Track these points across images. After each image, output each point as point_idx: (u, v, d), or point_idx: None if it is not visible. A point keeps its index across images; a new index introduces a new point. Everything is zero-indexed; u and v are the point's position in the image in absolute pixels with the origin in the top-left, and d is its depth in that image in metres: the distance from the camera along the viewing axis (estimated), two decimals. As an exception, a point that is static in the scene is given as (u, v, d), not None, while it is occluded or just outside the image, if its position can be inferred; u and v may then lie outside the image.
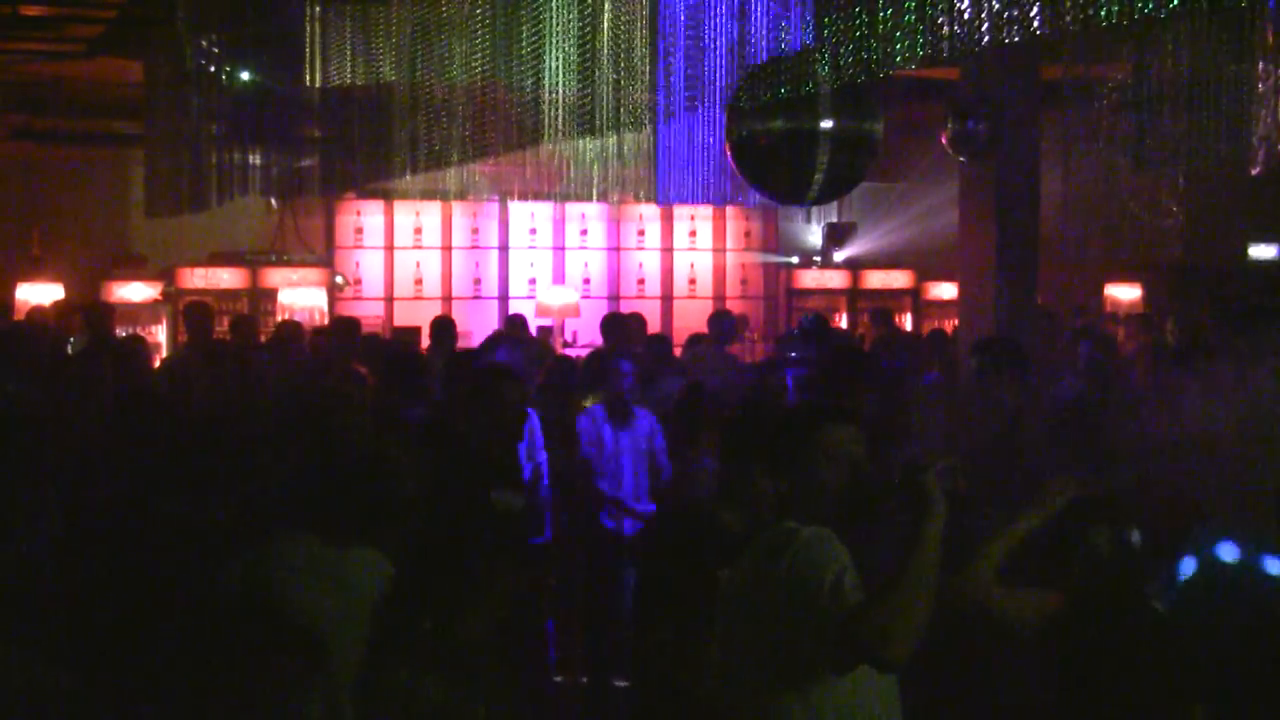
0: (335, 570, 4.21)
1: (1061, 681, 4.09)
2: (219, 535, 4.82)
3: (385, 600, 3.83)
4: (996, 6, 5.26)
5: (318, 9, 10.94)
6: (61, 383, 7.91)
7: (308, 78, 11.08)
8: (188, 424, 6.66)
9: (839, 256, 17.82)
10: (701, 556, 4.26)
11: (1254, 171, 10.53)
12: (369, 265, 16.64)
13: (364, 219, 16.57)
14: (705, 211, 17.59)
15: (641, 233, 17.60)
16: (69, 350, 11.25)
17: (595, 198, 15.07)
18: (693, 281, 17.76)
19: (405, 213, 16.65)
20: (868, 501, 3.72)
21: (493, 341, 10.40)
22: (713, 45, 7.42)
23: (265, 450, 5.72)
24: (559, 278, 17.05)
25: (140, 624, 5.03)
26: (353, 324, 10.41)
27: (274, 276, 15.32)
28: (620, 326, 11.02)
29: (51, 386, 7.84)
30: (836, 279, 17.60)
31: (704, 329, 12.19)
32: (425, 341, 11.76)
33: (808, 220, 17.83)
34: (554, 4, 8.74)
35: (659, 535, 5.24)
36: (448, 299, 16.64)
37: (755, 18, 6.90)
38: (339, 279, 15.89)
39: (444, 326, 11.00)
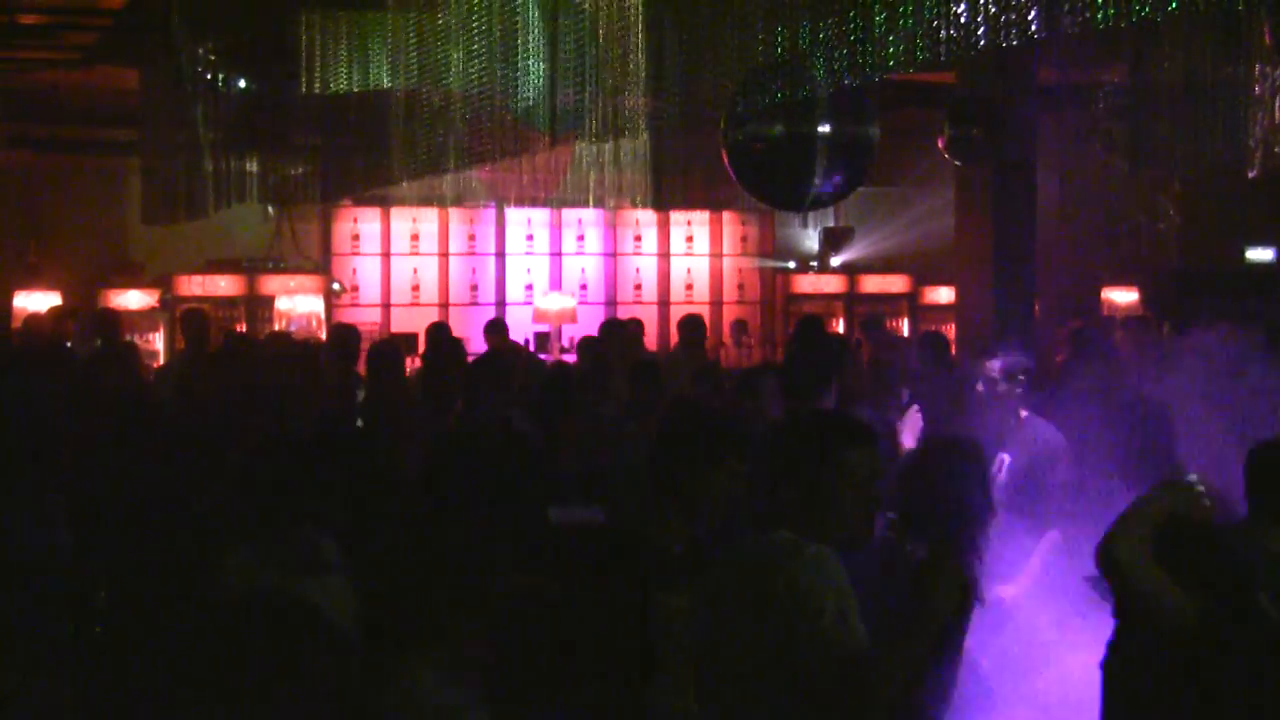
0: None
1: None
2: (219, 535, 4.81)
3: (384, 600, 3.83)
4: (993, 10, 5.26)
5: (313, 16, 10.95)
6: (72, 389, 7.91)
7: (304, 85, 11.08)
8: (191, 427, 6.67)
9: (836, 261, 17.82)
10: (636, 581, 3.97)
11: (1251, 174, 10.53)
12: (366, 272, 16.62)
13: (361, 226, 16.56)
14: (702, 217, 17.58)
15: (638, 238, 17.59)
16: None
17: (592, 203, 15.10)
18: (690, 287, 17.75)
19: (402, 219, 16.64)
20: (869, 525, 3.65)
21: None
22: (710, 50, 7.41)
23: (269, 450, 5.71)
24: (556, 284, 17.04)
25: (147, 629, 5.03)
26: (351, 332, 10.39)
27: (271, 284, 15.32)
28: (619, 333, 11.00)
29: (64, 393, 7.83)
30: (833, 284, 17.60)
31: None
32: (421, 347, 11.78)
33: (804, 225, 17.81)
34: (550, 10, 8.75)
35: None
36: (445, 305, 16.62)
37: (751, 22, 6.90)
38: (336, 286, 15.88)
39: (439, 332, 11.03)
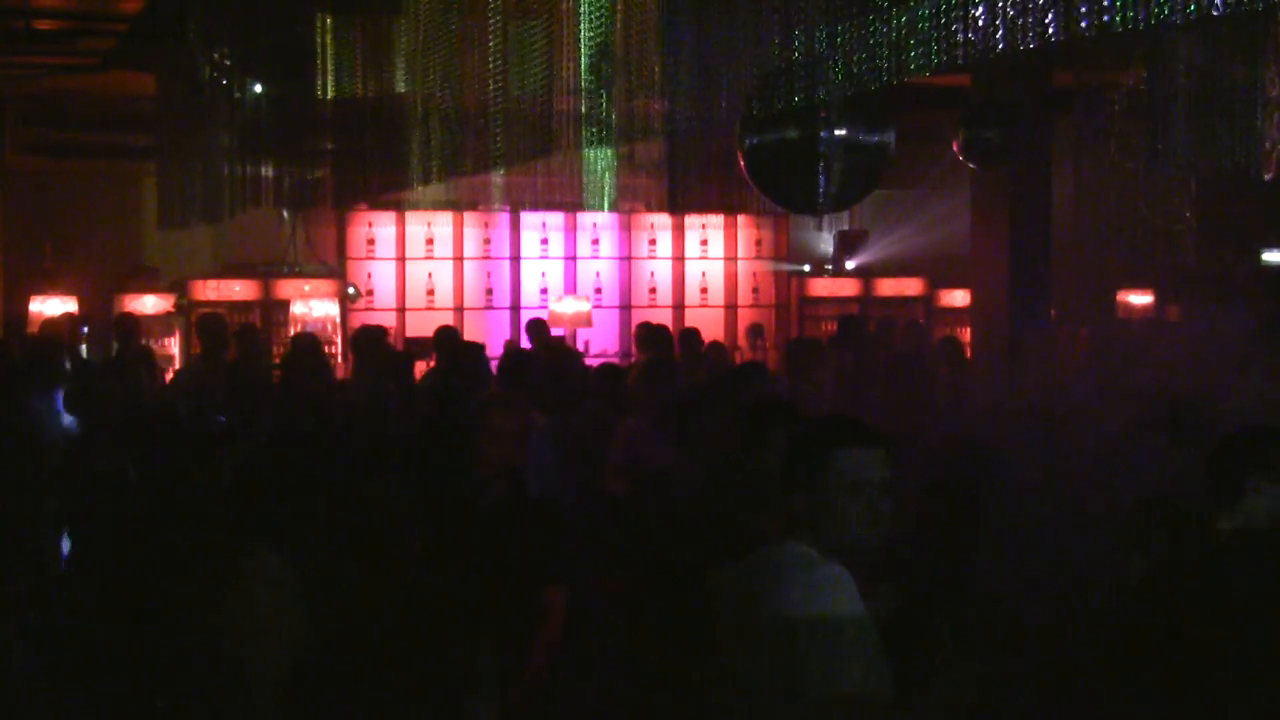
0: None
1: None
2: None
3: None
4: (1011, 13, 5.25)
5: (329, 21, 10.96)
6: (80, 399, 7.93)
7: (319, 89, 11.09)
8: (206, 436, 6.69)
9: (851, 264, 17.82)
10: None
11: (1267, 177, 10.51)
12: (381, 276, 16.64)
13: (376, 230, 16.58)
14: (716, 220, 17.58)
15: (653, 242, 17.59)
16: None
17: (606, 207, 15.08)
18: (704, 290, 17.74)
19: (417, 223, 16.66)
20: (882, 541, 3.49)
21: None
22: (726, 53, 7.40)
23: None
24: (570, 287, 17.05)
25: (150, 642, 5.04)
26: (379, 333, 10.37)
27: (286, 288, 15.35)
28: (662, 338, 11.05)
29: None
30: (848, 287, 17.60)
31: (715, 338, 12.17)
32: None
33: (819, 228, 17.81)
34: (565, 14, 8.74)
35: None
36: (460, 309, 16.65)
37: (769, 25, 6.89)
38: (351, 290, 15.91)
39: (449, 337, 11.05)
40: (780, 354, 16.09)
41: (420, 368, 11.05)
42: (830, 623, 3.28)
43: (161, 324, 14.91)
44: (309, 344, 10.68)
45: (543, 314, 16.22)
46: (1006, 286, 12.42)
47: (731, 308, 17.68)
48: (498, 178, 13.37)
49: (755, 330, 16.44)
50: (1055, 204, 12.67)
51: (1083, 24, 4.97)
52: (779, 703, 3.34)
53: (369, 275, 16.55)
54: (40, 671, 4.99)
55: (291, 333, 14.35)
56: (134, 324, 11.81)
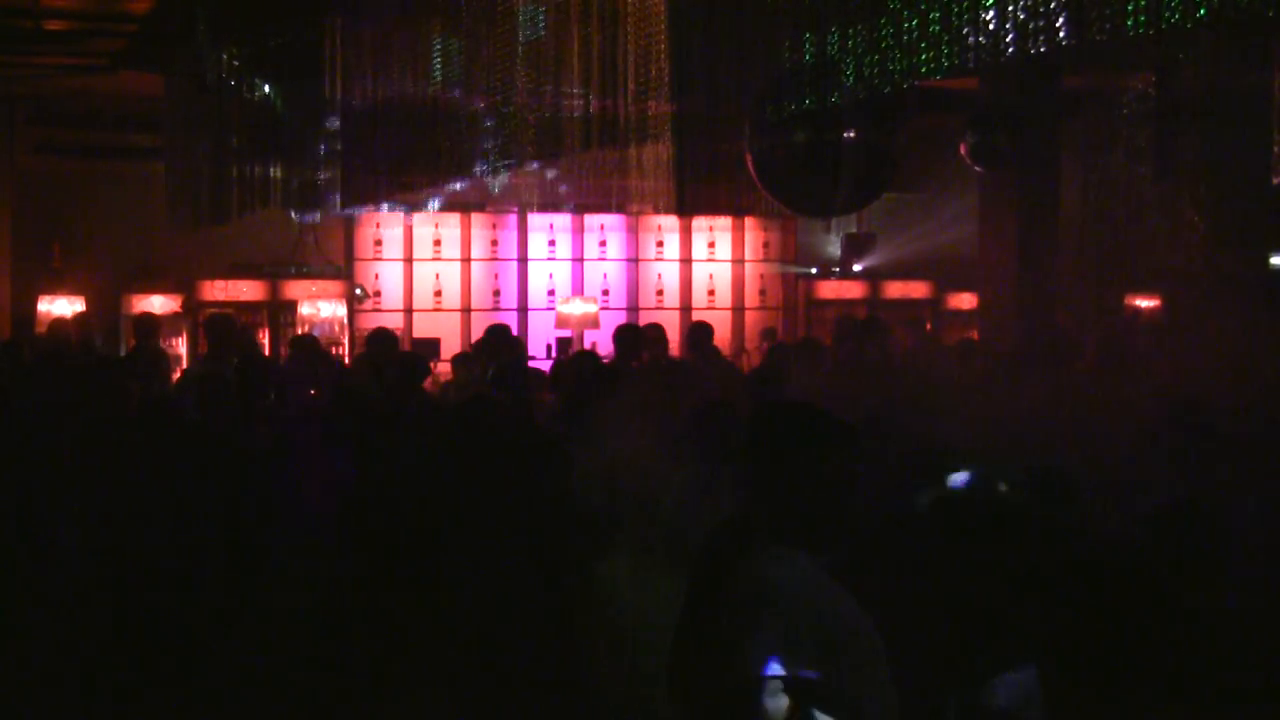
0: None
1: None
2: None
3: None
4: (1022, 17, 5.25)
5: (338, 22, 10.96)
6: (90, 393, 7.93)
7: (327, 91, 11.10)
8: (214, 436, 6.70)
9: (858, 267, 17.81)
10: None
11: (1275, 181, 10.51)
12: (388, 277, 16.64)
13: (383, 230, 16.58)
14: (724, 222, 17.59)
15: (660, 244, 17.59)
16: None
17: (614, 209, 15.08)
18: (711, 293, 17.74)
19: (424, 224, 16.67)
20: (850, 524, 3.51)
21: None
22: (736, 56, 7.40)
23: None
24: (578, 289, 17.05)
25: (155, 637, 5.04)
26: (388, 336, 10.35)
27: (294, 289, 15.35)
28: (635, 337, 10.92)
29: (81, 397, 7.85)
30: (856, 289, 17.58)
31: (719, 343, 12.12)
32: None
33: (827, 231, 17.81)
34: (574, 16, 8.75)
35: None
36: (467, 310, 16.65)
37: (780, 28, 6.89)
38: (359, 290, 15.91)
39: (501, 336, 11.03)
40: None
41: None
42: (769, 614, 3.30)
43: (169, 324, 14.91)
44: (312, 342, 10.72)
45: (548, 315, 16.28)
46: (1014, 290, 12.42)
47: (739, 310, 17.67)
48: (505, 179, 13.37)
49: (768, 334, 16.45)
50: (1063, 207, 12.67)
51: (1093, 28, 4.96)
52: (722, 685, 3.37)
53: (376, 276, 16.55)
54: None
55: (299, 333, 14.37)
56: (154, 324, 11.80)
